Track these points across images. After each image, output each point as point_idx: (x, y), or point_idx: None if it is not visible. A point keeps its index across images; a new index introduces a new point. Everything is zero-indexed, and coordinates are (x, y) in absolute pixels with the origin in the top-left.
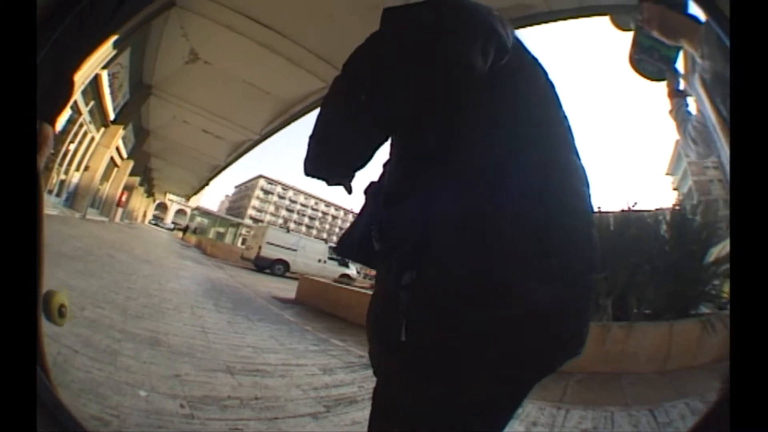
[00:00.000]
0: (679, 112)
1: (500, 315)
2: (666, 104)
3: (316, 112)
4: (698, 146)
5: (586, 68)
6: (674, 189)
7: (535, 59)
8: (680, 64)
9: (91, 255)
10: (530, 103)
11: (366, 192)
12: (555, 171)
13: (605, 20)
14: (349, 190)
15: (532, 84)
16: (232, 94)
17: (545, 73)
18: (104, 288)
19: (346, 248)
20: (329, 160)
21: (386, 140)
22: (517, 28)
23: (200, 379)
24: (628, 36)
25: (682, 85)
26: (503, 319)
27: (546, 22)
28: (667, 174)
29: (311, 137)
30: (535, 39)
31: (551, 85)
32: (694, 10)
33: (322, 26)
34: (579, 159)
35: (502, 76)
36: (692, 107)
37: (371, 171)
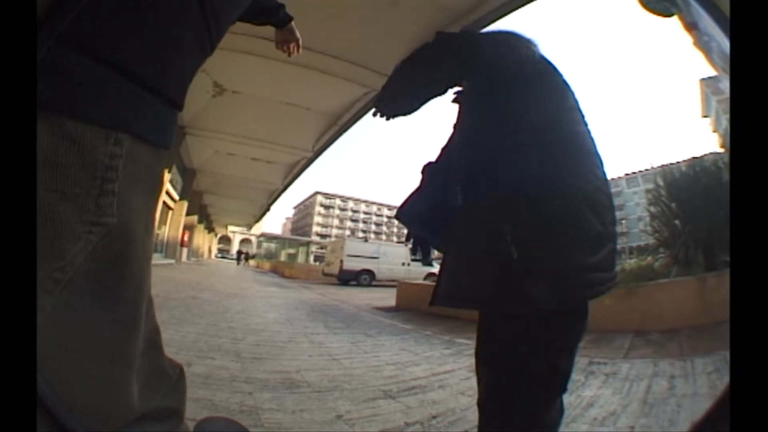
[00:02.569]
0: (701, 41)
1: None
2: (687, 38)
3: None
4: None
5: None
6: (713, 131)
7: (556, 70)
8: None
9: (172, 300)
10: (543, 101)
11: (423, 171)
12: (563, 150)
13: None
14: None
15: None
16: (272, 117)
17: (567, 85)
18: (203, 334)
19: (408, 217)
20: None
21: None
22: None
23: (365, 412)
24: None
25: (692, 18)
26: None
27: None
28: (703, 117)
29: (389, 87)
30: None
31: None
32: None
33: (344, 31)
34: (585, 129)
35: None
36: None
37: (429, 153)
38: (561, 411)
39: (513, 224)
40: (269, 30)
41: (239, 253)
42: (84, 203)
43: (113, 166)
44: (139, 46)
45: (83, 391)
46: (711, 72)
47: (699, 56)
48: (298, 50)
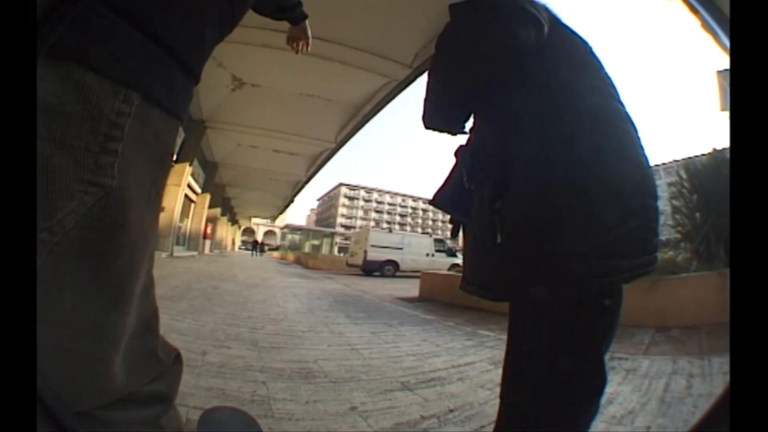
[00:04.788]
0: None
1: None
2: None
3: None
4: None
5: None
6: None
7: (573, 32)
8: None
9: (193, 290)
10: (575, 67)
11: (456, 153)
12: (600, 119)
13: None
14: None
15: (574, 51)
16: (293, 109)
17: (585, 43)
18: (222, 323)
19: (441, 201)
20: (442, 117)
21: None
22: None
23: (380, 405)
24: None
25: None
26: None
27: None
28: (722, 110)
29: (425, 100)
30: None
31: (592, 52)
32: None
33: (362, 21)
34: (623, 106)
35: (547, 49)
36: None
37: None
38: (595, 411)
39: (502, 205)
40: (285, 23)
41: (255, 243)
42: (83, 159)
43: (119, 124)
44: (161, 6)
45: (61, 366)
46: (718, 51)
47: (706, 37)
48: (306, 48)
